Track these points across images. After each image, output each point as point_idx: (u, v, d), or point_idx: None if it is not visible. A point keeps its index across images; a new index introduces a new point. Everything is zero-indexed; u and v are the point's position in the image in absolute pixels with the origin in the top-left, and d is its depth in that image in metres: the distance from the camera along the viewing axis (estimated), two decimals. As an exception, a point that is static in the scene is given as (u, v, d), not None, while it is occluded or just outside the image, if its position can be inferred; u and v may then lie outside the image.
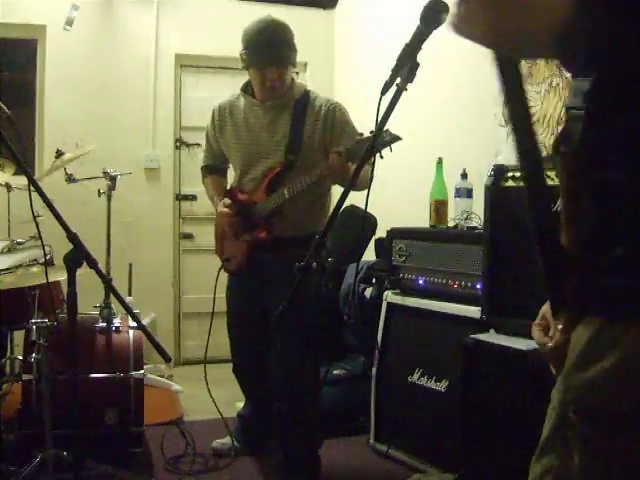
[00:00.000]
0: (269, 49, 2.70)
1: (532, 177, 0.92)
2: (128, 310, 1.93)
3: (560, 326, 0.94)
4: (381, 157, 2.16)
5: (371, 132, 2.19)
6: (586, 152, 0.84)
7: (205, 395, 2.89)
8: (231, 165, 2.99)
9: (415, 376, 2.86)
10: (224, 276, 2.96)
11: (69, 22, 4.36)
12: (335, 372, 3.49)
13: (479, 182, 2.59)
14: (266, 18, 2.76)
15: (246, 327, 2.96)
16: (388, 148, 2.19)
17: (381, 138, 2.13)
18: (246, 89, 2.90)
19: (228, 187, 3.01)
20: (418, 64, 1.68)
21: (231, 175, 3.04)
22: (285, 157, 2.74)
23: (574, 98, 2.26)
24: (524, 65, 2.55)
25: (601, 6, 0.66)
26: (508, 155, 2.99)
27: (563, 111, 2.72)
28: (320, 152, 2.75)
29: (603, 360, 0.81)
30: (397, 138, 2.21)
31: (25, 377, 2.66)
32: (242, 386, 3.12)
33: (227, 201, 2.81)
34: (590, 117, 0.82)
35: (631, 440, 0.78)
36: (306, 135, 2.75)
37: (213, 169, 3.04)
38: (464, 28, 0.73)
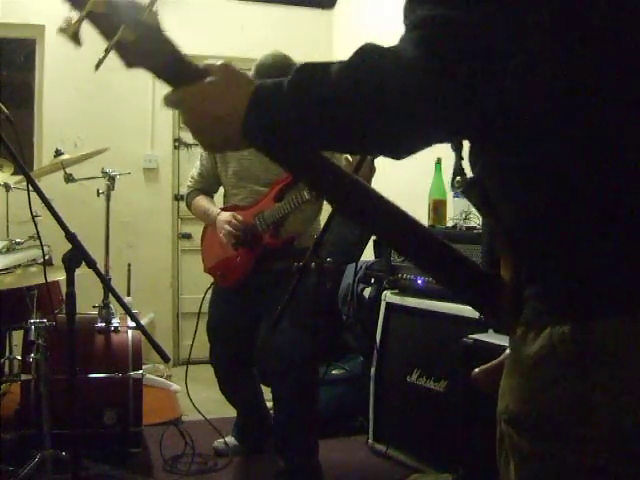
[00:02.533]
0: (279, 73, 2.72)
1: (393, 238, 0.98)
2: (127, 310, 1.93)
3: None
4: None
5: None
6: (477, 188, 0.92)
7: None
8: (223, 186, 2.94)
9: (414, 376, 2.86)
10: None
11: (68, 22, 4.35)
12: (334, 372, 3.49)
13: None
14: (275, 51, 2.78)
15: (231, 343, 2.94)
16: None
17: None
18: None
19: (221, 206, 2.96)
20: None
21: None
22: None
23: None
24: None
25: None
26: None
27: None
28: None
29: (519, 365, 0.83)
30: None
31: (24, 377, 2.66)
32: (231, 400, 3.11)
33: (238, 216, 2.76)
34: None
35: (558, 443, 0.78)
36: None
37: (201, 192, 2.97)
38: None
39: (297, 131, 0.82)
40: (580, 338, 0.77)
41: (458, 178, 0.94)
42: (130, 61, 0.93)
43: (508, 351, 0.90)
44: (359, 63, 0.79)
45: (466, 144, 0.91)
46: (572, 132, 0.77)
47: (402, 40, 0.79)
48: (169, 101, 0.96)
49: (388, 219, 0.94)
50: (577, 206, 0.78)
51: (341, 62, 0.80)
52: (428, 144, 0.83)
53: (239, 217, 2.75)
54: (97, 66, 0.90)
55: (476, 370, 1.00)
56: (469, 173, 0.94)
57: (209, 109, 0.87)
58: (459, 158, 0.95)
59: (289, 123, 0.82)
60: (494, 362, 0.98)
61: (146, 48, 0.91)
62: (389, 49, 0.78)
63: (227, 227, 2.73)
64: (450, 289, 1.04)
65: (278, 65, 2.71)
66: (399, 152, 0.85)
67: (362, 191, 0.94)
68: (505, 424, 0.84)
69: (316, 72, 0.81)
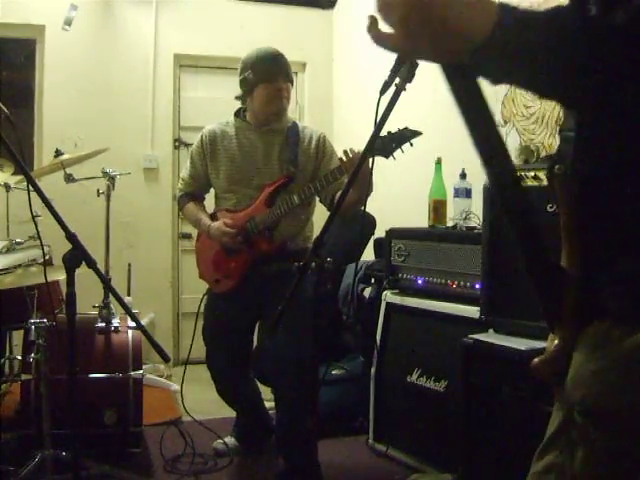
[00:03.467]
0: (277, 62, 2.75)
1: (504, 190, 0.91)
2: (127, 310, 1.92)
3: (556, 342, 0.95)
4: (402, 151, 2.35)
5: (388, 132, 2.29)
6: (581, 181, 0.90)
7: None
8: (214, 189, 2.93)
9: (414, 376, 2.86)
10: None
11: (68, 22, 4.36)
12: (334, 372, 3.49)
13: (478, 182, 2.59)
14: (263, 46, 2.80)
15: (227, 346, 2.93)
16: (408, 143, 2.35)
17: (402, 134, 2.34)
18: (239, 114, 2.90)
19: (210, 212, 2.95)
20: (417, 64, 1.68)
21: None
22: (287, 170, 2.75)
23: (566, 119, 2.28)
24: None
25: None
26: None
27: (562, 112, 2.72)
28: (310, 177, 2.78)
29: (607, 360, 0.82)
30: (417, 133, 2.35)
31: (24, 377, 2.66)
32: (229, 403, 3.10)
33: (228, 221, 2.76)
34: (579, 150, 0.89)
35: (634, 441, 0.78)
36: (301, 158, 2.78)
37: (192, 197, 2.97)
38: (401, 44, 0.80)
39: (529, 60, 0.79)
40: None
41: (561, 165, 0.93)
42: None
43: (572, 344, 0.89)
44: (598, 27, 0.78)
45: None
46: None
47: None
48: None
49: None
50: None
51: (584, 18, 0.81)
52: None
53: (228, 222, 2.75)
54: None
55: (536, 360, 0.99)
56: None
57: (454, 16, 0.77)
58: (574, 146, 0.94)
59: (529, 52, 0.78)
60: (550, 353, 0.97)
61: None
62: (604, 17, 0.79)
63: (225, 239, 2.74)
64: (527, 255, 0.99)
65: (267, 58, 2.73)
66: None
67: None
68: (580, 415, 0.84)
69: (566, 18, 0.81)
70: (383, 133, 2.37)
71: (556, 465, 0.88)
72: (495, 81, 0.85)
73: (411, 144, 2.36)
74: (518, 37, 0.78)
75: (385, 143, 2.35)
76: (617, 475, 0.80)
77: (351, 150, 2.48)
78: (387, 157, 2.37)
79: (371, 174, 2.15)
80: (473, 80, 0.84)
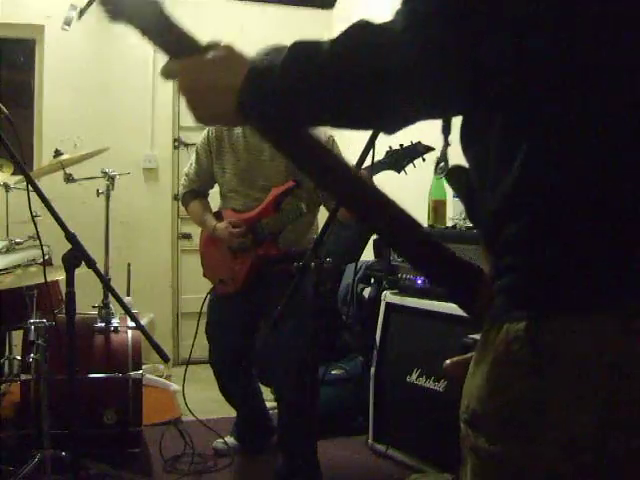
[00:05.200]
0: None
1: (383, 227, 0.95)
2: (126, 310, 1.93)
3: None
4: (414, 166, 2.38)
5: (401, 146, 2.30)
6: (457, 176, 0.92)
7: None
8: (219, 187, 2.92)
9: (414, 376, 2.86)
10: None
11: (67, 22, 4.35)
12: (334, 372, 3.49)
13: (478, 182, 2.59)
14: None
15: (230, 344, 2.93)
16: (420, 159, 2.39)
17: (415, 149, 2.36)
18: None
19: (215, 210, 2.95)
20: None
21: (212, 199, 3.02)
22: (295, 175, 2.73)
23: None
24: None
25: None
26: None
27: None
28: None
29: (482, 364, 0.81)
30: (430, 149, 2.35)
31: (23, 377, 2.65)
32: (230, 401, 3.10)
33: (236, 222, 2.75)
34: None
35: (515, 446, 0.76)
36: None
37: (197, 194, 2.96)
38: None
39: (290, 105, 0.84)
40: (534, 337, 0.75)
41: (442, 164, 0.94)
42: (113, 13, 0.93)
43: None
44: (350, 37, 0.81)
45: (455, 131, 0.90)
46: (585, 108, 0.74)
47: (395, 13, 0.80)
48: (167, 71, 0.95)
49: (375, 205, 0.94)
50: (566, 194, 0.75)
51: (333, 39, 0.81)
52: (416, 118, 0.83)
53: (236, 222, 2.74)
54: (79, 15, 0.91)
55: (447, 362, 0.99)
56: (452, 161, 0.94)
57: (207, 82, 0.88)
58: (446, 144, 0.94)
59: (283, 98, 0.83)
60: (467, 355, 0.95)
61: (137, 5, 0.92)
62: (380, 24, 0.80)
63: (231, 239, 2.73)
64: (428, 276, 1.03)
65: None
66: (389, 125, 0.86)
67: (350, 177, 0.95)
68: (464, 424, 0.82)
69: (309, 47, 0.82)
70: (394, 145, 2.38)
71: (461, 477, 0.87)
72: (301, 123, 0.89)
73: (423, 159, 2.36)
74: (271, 75, 0.83)
75: (397, 158, 2.35)
76: None
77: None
78: (399, 172, 2.37)
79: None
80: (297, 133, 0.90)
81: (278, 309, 2.08)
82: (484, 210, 0.84)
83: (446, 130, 0.93)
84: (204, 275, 2.97)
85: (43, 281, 2.23)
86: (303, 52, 0.83)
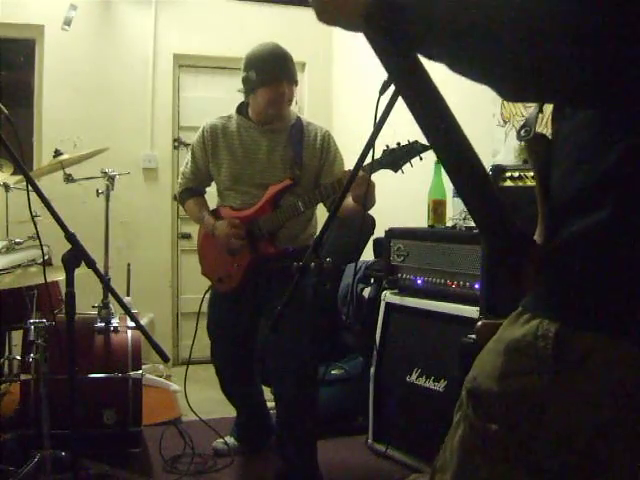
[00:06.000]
0: (281, 65, 2.66)
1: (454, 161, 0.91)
2: (126, 310, 1.92)
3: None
4: (411, 165, 2.36)
5: (398, 144, 2.28)
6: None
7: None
8: (216, 185, 2.91)
9: (413, 376, 2.86)
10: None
11: (67, 22, 4.35)
12: (333, 372, 3.49)
13: (477, 182, 2.59)
14: (268, 42, 2.72)
15: (231, 342, 2.93)
16: (417, 157, 2.36)
17: (413, 147, 2.34)
18: (241, 111, 2.87)
19: (214, 206, 2.94)
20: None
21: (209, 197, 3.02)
22: (292, 173, 2.73)
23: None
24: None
25: None
26: (506, 155, 2.99)
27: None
28: (314, 176, 2.77)
29: (500, 344, 0.83)
30: (427, 147, 2.32)
31: (23, 377, 2.66)
32: (231, 400, 3.10)
33: (236, 221, 2.74)
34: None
35: (508, 432, 0.78)
36: (306, 157, 2.76)
37: (194, 192, 2.96)
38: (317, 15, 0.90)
39: (428, 27, 0.79)
40: (562, 342, 0.76)
41: (526, 129, 0.93)
42: None
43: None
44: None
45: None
46: None
47: None
48: None
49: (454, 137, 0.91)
50: None
51: None
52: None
53: (236, 223, 2.73)
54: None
55: (480, 323, 0.99)
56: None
57: None
58: (538, 110, 0.92)
59: (423, 17, 0.79)
60: (499, 321, 0.96)
61: None
62: None
63: (234, 241, 2.72)
64: (482, 229, 0.97)
65: (271, 59, 2.67)
66: (511, 90, 0.81)
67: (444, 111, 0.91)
68: (466, 392, 0.84)
69: None
70: (392, 144, 2.37)
71: (448, 437, 0.88)
72: (425, 52, 0.83)
73: (420, 158, 2.35)
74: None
75: (394, 157, 2.34)
76: (486, 460, 0.80)
77: (349, 171, 2.47)
78: (396, 171, 2.35)
79: (369, 190, 2.15)
80: (411, 58, 0.85)
81: (278, 309, 2.07)
82: (558, 192, 0.81)
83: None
84: (202, 273, 2.97)
85: (43, 281, 2.23)
86: None
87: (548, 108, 0.87)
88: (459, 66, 0.80)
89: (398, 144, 2.34)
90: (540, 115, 0.94)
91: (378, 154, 2.36)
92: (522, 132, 0.93)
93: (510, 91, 0.81)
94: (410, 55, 0.85)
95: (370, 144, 1.88)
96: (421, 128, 0.91)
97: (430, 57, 0.83)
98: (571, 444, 0.74)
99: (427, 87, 0.88)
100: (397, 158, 2.34)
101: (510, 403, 0.79)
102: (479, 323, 0.99)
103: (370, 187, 2.25)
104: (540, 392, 0.76)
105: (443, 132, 0.90)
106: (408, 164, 2.37)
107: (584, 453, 0.73)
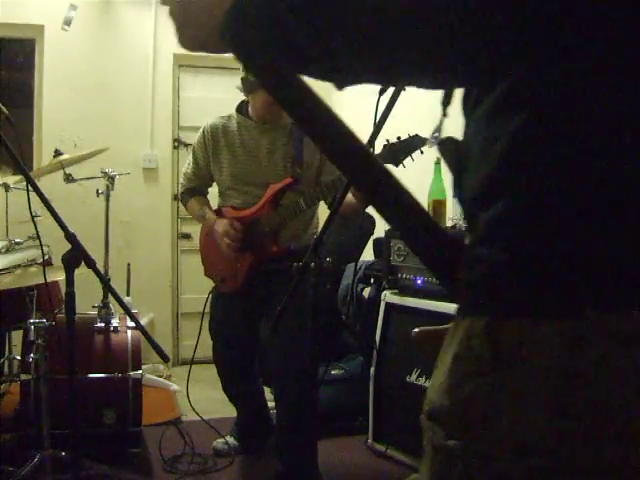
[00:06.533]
0: None
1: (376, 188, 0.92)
2: (126, 310, 1.92)
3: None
4: (412, 159, 2.34)
5: (398, 139, 2.28)
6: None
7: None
8: (217, 185, 2.91)
9: (413, 376, 2.86)
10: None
11: (67, 22, 4.35)
12: (333, 372, 3.49)
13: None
14: None
15: (233, 342, 2.93)
16: (418, 151, 2.36)
17: (413, 141, 2.33)
18: (241, 110, 2.87)
19: (216, 207, 2.94)
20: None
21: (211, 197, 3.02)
22: (293, 171, 2.73)
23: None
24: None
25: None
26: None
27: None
28: (315, 174, 2.77)
29: (445, 357, 0.80)
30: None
31: (23, 377, 2.66)
32: (232, 400, 3.10)
33: (236, 223, 2.74)
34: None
35: (467, 443, 0.75)
36: (307, 155, 2.76)
37: (195, 191, 2.96)
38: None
39: (270, 33, 0.78)
40: (494, 336, 0.73)
41: (436, 134, 0.93)
42: None
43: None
44: None
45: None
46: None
47: None
48: None
49: (356, 155, 0.91)
50: (549, 188, 0.71)
51: None
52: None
53: (237, 225, 2.73)
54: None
55: (416, 330, 0.95)
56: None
57: (198, 4, 0.86)
58: (443, 115, 0.91)
59: (263, 24, 0.78)
60: (439, 327, 0.92)
61: None
62: None
63: (226, 240, 2.72)
64: (410, 244, 0.99)
65: None
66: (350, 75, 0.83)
67: (334, 121, 0.91)
68: (424, 416, 0.81)
69: None
70: (392, 139, 2.36)
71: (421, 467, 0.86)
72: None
73: (421, 152, 2.34)
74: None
75: (395, 151, 2.33)
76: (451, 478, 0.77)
77: None
78: (397, 166, 2.35)
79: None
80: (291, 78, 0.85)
81: (278, 309, 2.08)
82: (465, 193, 0.81)
83: (446, 101, 0.90)
84: (205, 274, 2.97)
85: (43, 281, 2.23)
86: None
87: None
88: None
89: (398, 138, 2.33)
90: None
91: (379, 151, 2.36)
92: (431, 140, 0.93)
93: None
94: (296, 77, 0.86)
95: (370, 143, 1.89)
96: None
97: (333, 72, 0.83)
98: (532, 444, 0.71)
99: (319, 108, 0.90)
100: (397, 153, 2.33)
101: (462, 414, 0.75)
102: (415, 330, 0.96)
103: None
104: (488, 394, 0.73)
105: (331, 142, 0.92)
106: (409, 158, 2.36)
107: (549, 454, 0.71)
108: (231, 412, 3.16)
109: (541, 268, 0.72)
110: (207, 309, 2.91)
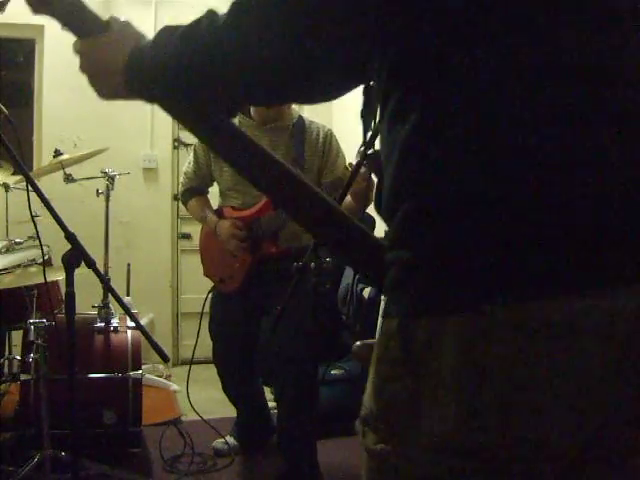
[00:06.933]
0: None
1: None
2: (126, 310, 1.93)
3: None
4: None
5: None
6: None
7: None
8: (218, 185, 2.91)
9: (413, 376, 2.86)
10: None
11: (67, 22, 4.35)
12: (333, 372, 3.49)
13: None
14: None
15: (233, 342, 2.93)
16: None
17: None
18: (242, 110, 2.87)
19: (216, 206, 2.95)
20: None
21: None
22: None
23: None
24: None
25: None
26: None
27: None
28: (316, 175, 2.77)
29: (373, 359, 0.80)
30: None
31: (23, 377, 2.65)
32: (232, 400, 3.10)
33: (239, 223, 2.74)
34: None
35: (393, 447, 0.75)
36: (307, 155, 2.76)
37: (196, 191, 2.96)
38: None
39: (159, 84, 0.90)
40: (405, 336, 0.73)
41: (361, 149, 0.95)
42: (35, 7, 0.98)
43: None
44: (196, 25, 0.88)
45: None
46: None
47: None
48: (73, 49, 1.02)
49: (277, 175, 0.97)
50: (442, 189, 0.72)
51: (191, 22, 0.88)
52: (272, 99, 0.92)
53: (240, 224, 2.73)
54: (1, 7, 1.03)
55: (358, 343, 0.95)
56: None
57: (99, 63, 0.98)
58: (365, 128, 0.96)
59: (151, 76, 0.90)
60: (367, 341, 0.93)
61: None
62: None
63: (234, 242, 2.72)
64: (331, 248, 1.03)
65: None
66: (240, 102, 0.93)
67: (253, 150, 0.98)
68: (359, 422, 0.81)
69: (172, 30, 0.90)
70: None
71: None
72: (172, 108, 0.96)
73: None
74: (153, 56, 0.89)
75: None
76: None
77: (350, 165, 2.46)
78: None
79: (368, 187, 2.13)
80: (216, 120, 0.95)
81: (278, 309, 2.08)
82: (383, 201, 0.82)
83: (366, 114, 0.96)
84: (204, 274, 2.97)
85: (43, 281, 2.23)
86: (165, 33, 0.90)
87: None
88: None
89: None
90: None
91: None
92: (357, 154, 0.97)
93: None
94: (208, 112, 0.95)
95: (370, 144, 1.89)
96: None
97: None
98: (453, 445, 0.70)
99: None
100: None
101: (387, 417, 0.75)
102: (357, 344, 0.95)
103: (370, 184, 2.25)
104: (408, 395, 0.73)
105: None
106: None
107: (465, 453, 0.69)
108: (231, 412, 3.16)
109: (442, 267, 0.72)
110: (207, 309, 2.91)
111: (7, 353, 3.40)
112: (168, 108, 0.96)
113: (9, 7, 4.26)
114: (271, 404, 3.14)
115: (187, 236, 4.86)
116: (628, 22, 0.72)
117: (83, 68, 1.00)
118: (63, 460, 2.36)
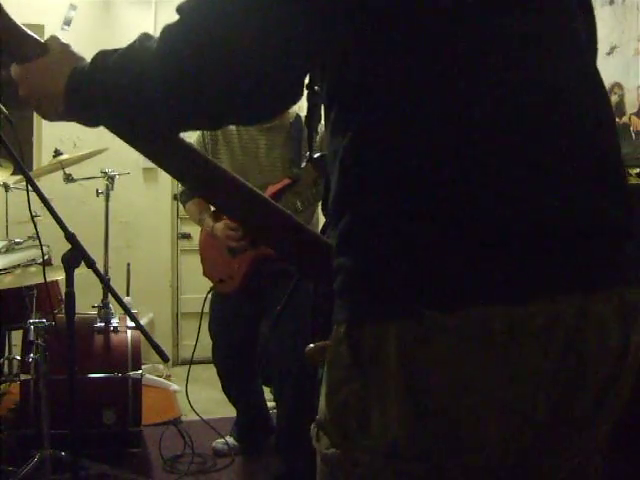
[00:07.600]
0: None
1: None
2: (126, 310, 1.92)
3: None
4: None
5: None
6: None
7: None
8: None
9: (413, 376, 2.86)
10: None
11: (67, 22, 4.35)
12: (333, 372, 3.49)
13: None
14: None
15: (233, 342, 2.94)
16: None
17: None
18: None
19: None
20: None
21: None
22: (291, 172, 2.73)
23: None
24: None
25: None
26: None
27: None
28: (312, 175, 2.76)
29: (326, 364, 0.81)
30: None
31: (23, 377, 2.66)
32: (232, 400, 3.10)
33: (231, 223, 2.71)
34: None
35: (346, 452, 0.75)
36: (304, 155, 2.75)
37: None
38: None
39: (94, 111, 0.89)
40: (352, 340, 0.73)
41: (307, 153, 0.98)
42: None
43: None
44: (128, 50, 0.87)
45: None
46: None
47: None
48: (12, 75, 1.02)
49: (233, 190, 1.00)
50: (383, 196, 0.73)
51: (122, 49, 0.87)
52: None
53: (232, 224, 2.73)
54: None
55: (310, 346, 0.96)
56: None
57: (38, 88, 0.96)
58: (310, 132, 0.99)
59: (91, 100, 0.89)
60: (328, 342, 0.96)
61: None
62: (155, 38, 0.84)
63: (232, 243, 2.72)
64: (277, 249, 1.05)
65: None
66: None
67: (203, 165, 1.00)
68: (314, 427, 0.82)
69: (104, 56, 0.90)
70: None
71: None
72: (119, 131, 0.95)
73: None
74: (90, 80, 0.89)
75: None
76: None
77: None
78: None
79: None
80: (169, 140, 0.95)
81: (277, 309, 2.08)
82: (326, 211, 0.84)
83: (310, 120, 0.99)
84: (204, 274, 2.97)
85: (43, 281, 2.23)
86: (102, 56, 0.90)
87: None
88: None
89: None
90: None
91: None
92: (303, 157, 1.00)
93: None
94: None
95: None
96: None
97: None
98: (401, 449, 0.70)
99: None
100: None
101: (339, 421, 0.76)
102: (309, 346, 0.96)
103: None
104: (358, 400, 0.73)
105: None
106: None
107: (416, 456, 0.70)
108: (231, 412, 3.16)
109: (382, 275, 0.73)
110: (206, 309, 2.91)
111: (7, 353, 3.40)
112: (114, 131, 0.95)
113: (9, 7, 4.26)
114: (270, 404, 3.14)
115: (187, 236, 4.86)
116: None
117: (24, 93, 0.98)
118: (63, 460, 2.36)
